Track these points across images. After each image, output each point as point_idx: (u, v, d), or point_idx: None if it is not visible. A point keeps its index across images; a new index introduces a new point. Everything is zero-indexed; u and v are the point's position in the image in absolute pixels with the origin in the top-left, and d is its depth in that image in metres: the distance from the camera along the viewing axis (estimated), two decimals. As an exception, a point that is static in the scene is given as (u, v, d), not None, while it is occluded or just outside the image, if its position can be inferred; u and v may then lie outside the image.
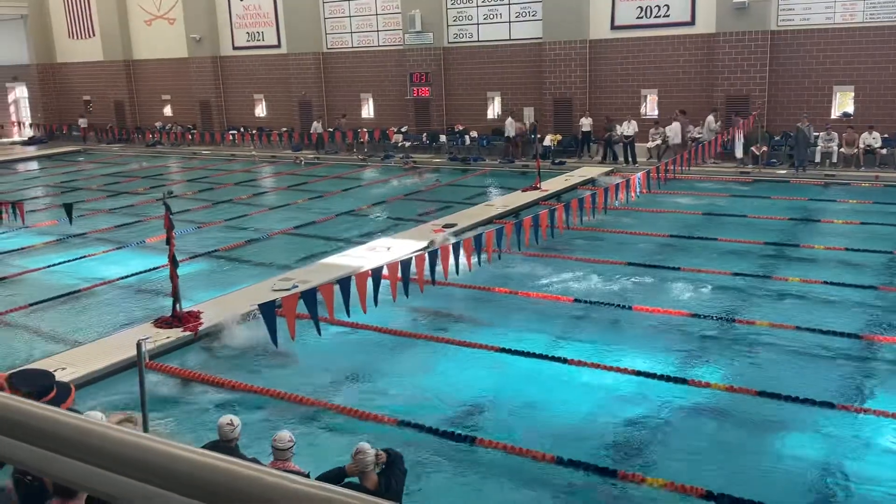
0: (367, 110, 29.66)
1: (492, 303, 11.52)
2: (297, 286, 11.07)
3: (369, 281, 8.71)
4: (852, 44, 20.98)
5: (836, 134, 21.06)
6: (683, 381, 8.39)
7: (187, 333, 9.92)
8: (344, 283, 8.48)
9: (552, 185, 19.68)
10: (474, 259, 10.61)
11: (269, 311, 7.72)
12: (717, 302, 11.00)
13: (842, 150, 20.91)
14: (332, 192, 21.15)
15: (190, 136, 31.36)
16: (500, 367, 9.07)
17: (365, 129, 27.87)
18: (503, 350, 9.34)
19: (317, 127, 28.69)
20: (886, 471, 6.68)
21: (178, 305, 10.29)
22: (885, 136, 20.48)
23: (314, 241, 15.62)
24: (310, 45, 29.67)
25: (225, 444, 5.67)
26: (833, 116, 21.73)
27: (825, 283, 11.51)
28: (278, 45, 30.75)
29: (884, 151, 20.46)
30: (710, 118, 21.97)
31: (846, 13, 21.01)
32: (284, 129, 29.87)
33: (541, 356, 9.17)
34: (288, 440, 5.70)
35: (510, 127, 25.07)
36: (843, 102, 22.00)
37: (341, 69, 29.57)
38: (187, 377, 8.94)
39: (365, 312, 8.78)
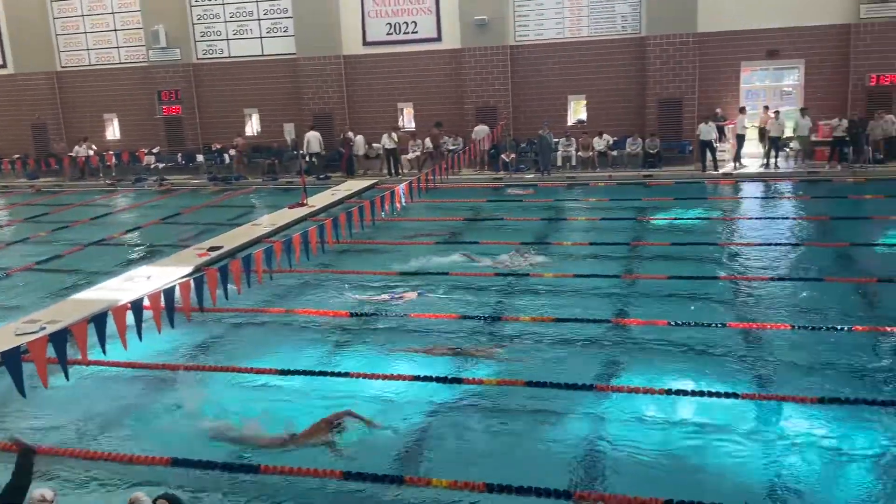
0: (113, 132, 27.70)
1: (266, 324, 11.24)
2: (44, 328, 10.06)
3: (129, 314, 8.12)
4: (581, 56, 23.12)
5: (573, 139, 23.09)
6: (458, 380, 8.73)
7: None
8: (99, 319, 7.84)
9: (319, 200, 19.63)
10: (244, 281, 10.27)
11: (12, 358, 6.92)
12: (483, 302, 11.56)
13: (579, 153, 22.97)
14: (80, 220, 19.48)
15: None
16: (278, 389, 8.86)
17: (112, 152, 26.01)
18: (280, 371, 9.14)
19: (64, 149, 26.37)
20: (643, 438, 7.38)
21: None
22: (615, 139, 22.78)
23: (62, 275, 14.27)
24: (41, 63, 27.18)
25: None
26: (570, 123, 23.81)
27: (576, 276, 12.54)
28: (4, 66, 27.79)
29: (614, 153, 22.75)
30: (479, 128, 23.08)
31: (573, 28, 23.12)
32: (17, 155, 26.98)
33: (319, 373, 9.10)
34: (41, 499, 5.15)
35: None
36: (577, 110, 24.18)
37: (79, 89, 27.36)
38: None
39: (126, 349, 8.18)
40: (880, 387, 8.17)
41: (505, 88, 23.63)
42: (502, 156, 23.03)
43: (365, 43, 24.72)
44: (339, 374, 9.02)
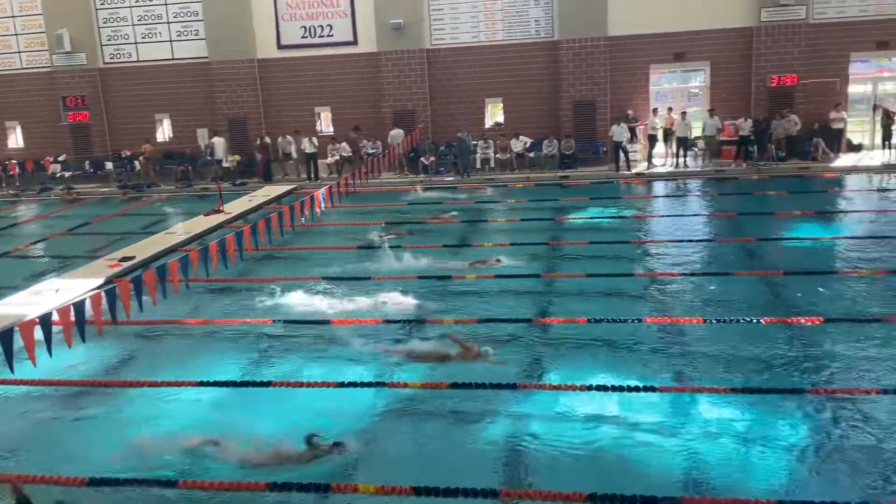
0: (16, 139, 26.48)
1: (186, 336, 10.94)
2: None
3: (37, 329, 7.79)
4: (497, 59, 23.42)
5: (492, 142, 23.35)
6: (382, 384, 8.71)
7: None
8: (4, 335, 7.48)
9: (236, 206, 19.23)
10: (159, 292, 9.97)
11: None
12: (409, 305, 11.55)
13: (497, 155, 23.24)
14: (-21, 233, 18.55)
15: None
16: (197, 402, 8.65)
17: (14, 161, 24.87)
18: (202, 383, 8.92)
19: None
20: (567, 434, 7.52)
21: None
22: (532, 140, 23.15)
23: (-38, 292, 13.55)
24: (-67, 68, 25.77)
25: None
26: (488, 126, 24.08)
27: (497, 276, 12.68)
28: None
29: (531, 155, 23.12)
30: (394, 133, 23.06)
31: (489, 32, 23.40)
32: None
33: (243, 383, 8.92)
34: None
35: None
36: (495, 112, 24.48)
37: (-24, 95, 26.06)
38: None
39: (35, 366, 7.83)
40: (788, 375, 8.55)
41: (423, 92, 23.71)
42: (422, 159, 23.10)
43: (280, 46, 24.39)
44: (263, 384, 8.87)
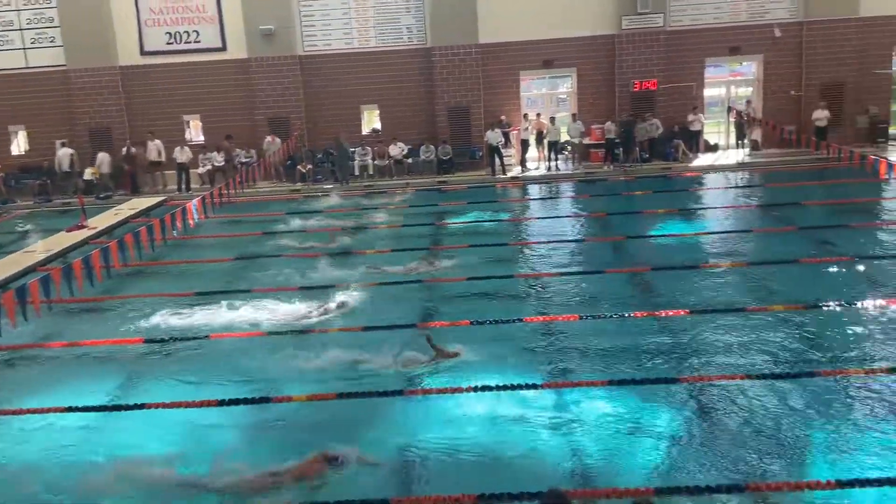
0: None
1: (49, 360, 10.29)
2: None
3: None
4: (371, 66, 23.39)
5: (369, 148, 23.31)
6: (266, 399, 8.50)
7: None
8: None
9: (101, 221, 18.26)
10: (18, 314, 9.34)
11: None
12: (288, 316, 11.33)
13: (375, 162, 23.22)
14: None
15: None
16: (68, 430, 8.16)
17: None
18: (67, 409, 8.40)
19: None
20: (454, 437, 7.58)
21: None
22: (410, 146, 23.26)
23: None
24: None
25: None
26: (364, 132, 24.02)
27: (380, 284, 12.64)
28: None
29: (409, 161, 23.23)
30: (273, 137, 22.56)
31: (362, 38, 23.36)
32: None
33: (112, 408, 8.48)
34: None
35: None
36: (371, 119, 24.45)
37: None
38: None
39: None
40: (659, 366, 8.97)
41: (297, 99, 23.37)
42: (299, 167, 22.75)
43: (143, 52, 23.42)
44: (136, 407, 8.45)
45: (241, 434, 7.92)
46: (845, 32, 22.21)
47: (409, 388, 8.65)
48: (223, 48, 23.38)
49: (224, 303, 11.96)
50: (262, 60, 23.08)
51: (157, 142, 22.80)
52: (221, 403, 8.40)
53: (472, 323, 10.49)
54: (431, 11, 22.82)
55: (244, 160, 22.63)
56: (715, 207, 17.58)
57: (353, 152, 23.06)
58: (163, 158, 22.81)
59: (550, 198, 20.29)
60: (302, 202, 20.73)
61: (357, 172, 23.09)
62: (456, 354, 9.42)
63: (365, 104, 23.90)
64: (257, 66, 23.12)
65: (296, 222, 17.97)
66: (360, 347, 9.84)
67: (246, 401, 8.43)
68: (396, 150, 23.17)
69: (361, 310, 11.51)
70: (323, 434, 7.82)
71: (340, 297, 11.86)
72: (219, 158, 22.99)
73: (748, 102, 23.14)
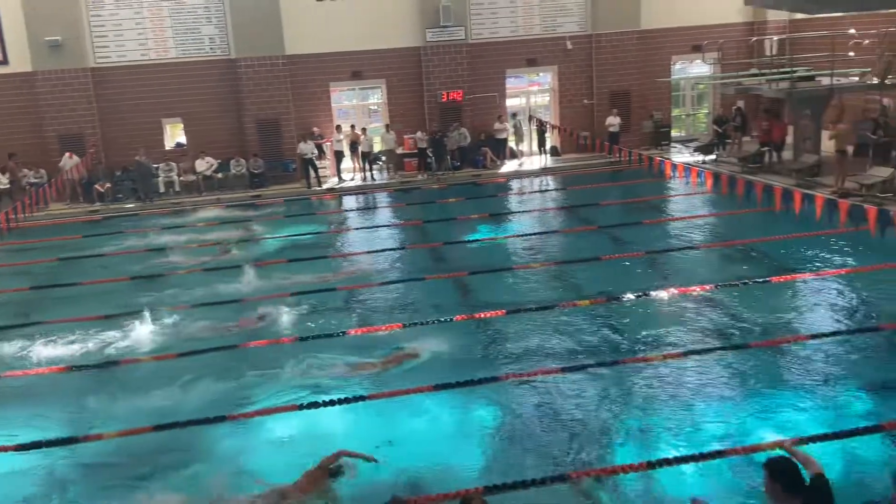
0: None
1: None
2: None
3: None
4: (172, 78, 22.33)
5: (174, 164, 22.24)
6: (74, 440, 7.88)
7: None
8: None
9: None
10: None
11: None
12: (90, 349, 10.58)
13: (181, 178, 22.20)
14: None
15: None
16: None
17: None
18: None
19: None
20: (269, 459, 7.44)
21: None
22: (219, 161, 22.43)
23: None
24: None
25: None
26: (168, 147, 22.89)
27: (192, 305, 12.09)
28: None
29: (220, 175, 22.40)
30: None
31: (160, 49, 22.24)
32: None
33: None
34: None
35: None
36: (175, 133, 23.36)
37: None
38: None
39: None
40: (479, 367, 9.26)
41: (91, 114, 21.85)
42: (96, 186, 21.27)
43: None
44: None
45: (48, 480, 7.28)
46: (629, 44, 24.12)
47: (231, 412, 8.35)
48: (4, 62, 21.40)
49: (14, 338, 10.95)
50: (49, 74, 21.34)
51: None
52: (22, 448, 7.69)
53: (297, 339, 10.33)
54: (234, 22, 22.17)
55: (33, 181, 20.83)
56: (524, 211, 18.42)
57: (157, 168, 21.91)
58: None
59: (368, 208, 20.37)
60: (101, 224, 19.37)
61: (162, 190, 21.96)
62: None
63: (167, 118, 22.77)
64: (44, 80, 21.36)
65: (92, 247, 16.74)
66: (173, 374, 9.39)
67: (48, 443, 7.77)
68: (204, 164, 22.28)
69: (175, 334, 10.97)
70: (141, 473, 7.38)
71: (150, 323, 11.23)
72: (3, 180, 21.00)
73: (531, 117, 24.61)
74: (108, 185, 21.45)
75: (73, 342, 10.79)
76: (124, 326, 11.28)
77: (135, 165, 21.32)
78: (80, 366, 9.94)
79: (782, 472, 4.24)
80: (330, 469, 6.78)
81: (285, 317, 11.40)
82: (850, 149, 16.86)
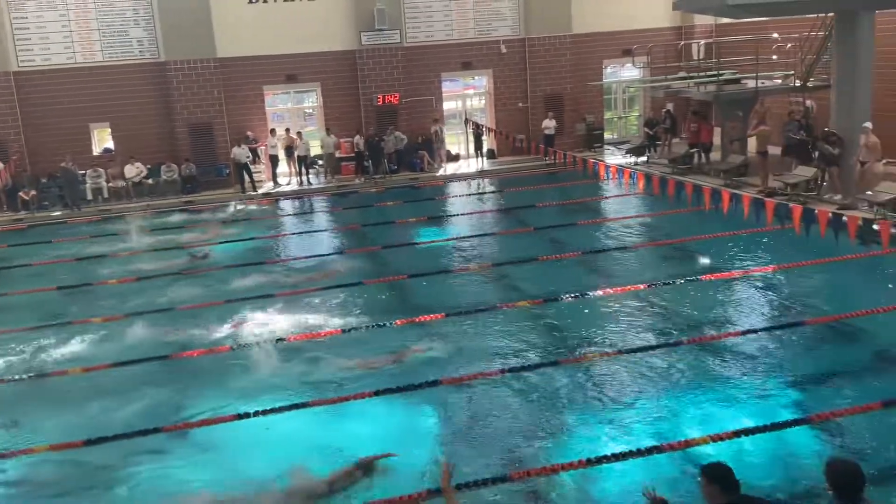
0: None
1: None
2: None
3: None
4: (99, 82, 21.71)
5: (102, 170, 21.61)
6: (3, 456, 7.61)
7: None
8: None
9: None
10: None
11: None
12: (15, 362, 10.22)
13: (110, 184, 21.59)
14: None
15: None
16: None
17: None
18: None
19: None
20: (222, 468, 7.30)
21: None
22: (149, 166, 21.90)
23: None
24: None
25: None
26: (96, 153, 22.24)
27: (125, 315, 11.78)
28: None
29: (150, 181, 21.88)
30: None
31: (86, 52, 21.61)
32: None
33: None
34: None
35: None
36: (103, 138, 22.70)
37: None
38: None
39: None
40: (418, 371, 9.25)
41: (14, 119, 21.06)
42: (21, 194, 20.51)
43: None
44: None
45: None
46: (561, 48, 24.46)
47: (167, 424, 8.16)
48: (-84, 63, 20.50)
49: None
50: (-34, 77, 20.54)
51: None
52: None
53: (231, 348, 10.17)
54: (163, 24, 21.69)
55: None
56: (462, 214, 18.49)
57: (84, 175, 21.25)
58: None
59: (304, 213, 20.16)
60: (26, 233, 18.70)
61: (90, 196, 21.31)
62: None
63: (95, 122, 22.12)
64: (-39, 84, 20.54)
65: (19, 256, 16.17)
66: (104, 385, 9.14)
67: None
68: (134, 170, 21.71)
69: (106, 345, 10.68)
70: (72, 492, 7.16)
71: (81, 335, 10.90)
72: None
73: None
74: (33, 192, 20.71)
75: (9, 356, 10.40)
76: (53, 337, 10.93)
77: (61, 172, 20.64)
78: (6, 379, 9.57)
79: (720, 476, 4.58)
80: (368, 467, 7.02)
81: (214, 326, 11.19)
82: (772, 150, 17.45)
